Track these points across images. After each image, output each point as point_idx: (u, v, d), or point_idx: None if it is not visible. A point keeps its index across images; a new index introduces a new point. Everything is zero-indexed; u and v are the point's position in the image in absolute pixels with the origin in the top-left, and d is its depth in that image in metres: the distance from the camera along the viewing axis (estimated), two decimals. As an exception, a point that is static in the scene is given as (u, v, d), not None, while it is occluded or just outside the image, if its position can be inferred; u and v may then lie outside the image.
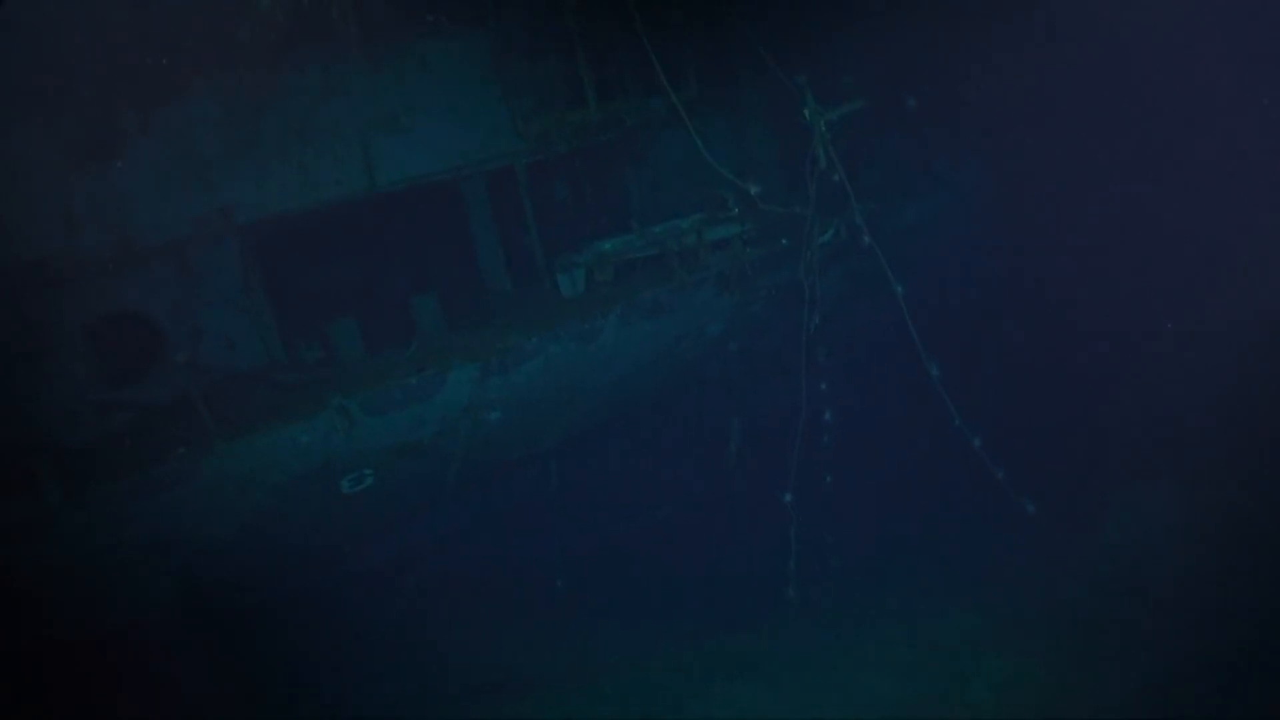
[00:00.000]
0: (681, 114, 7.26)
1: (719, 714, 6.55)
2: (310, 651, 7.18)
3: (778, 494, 7.10)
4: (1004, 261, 9.19)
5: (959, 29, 8.52)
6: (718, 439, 8.42)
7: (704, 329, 7.80)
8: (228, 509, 6.37)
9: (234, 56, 6.47)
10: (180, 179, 6.45)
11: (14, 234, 6.09)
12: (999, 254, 9.14)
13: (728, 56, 7.86)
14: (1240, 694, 5.78)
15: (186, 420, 6.23)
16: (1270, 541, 6.73)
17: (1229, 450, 7.50)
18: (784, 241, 7.64)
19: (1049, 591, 6.96)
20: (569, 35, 7.41)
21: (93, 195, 6.24)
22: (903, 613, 7.12)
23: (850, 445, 7.44)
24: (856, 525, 7.79)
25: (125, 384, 6.57)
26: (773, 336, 7.72)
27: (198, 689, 6.61)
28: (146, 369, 6.64)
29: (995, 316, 9.19)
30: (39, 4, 5.96)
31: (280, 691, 7.01)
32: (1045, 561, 7.18)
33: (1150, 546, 7.07)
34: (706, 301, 7.65)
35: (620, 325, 7.25)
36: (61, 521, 5.85)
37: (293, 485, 6.46)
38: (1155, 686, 5.95)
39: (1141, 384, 8.52)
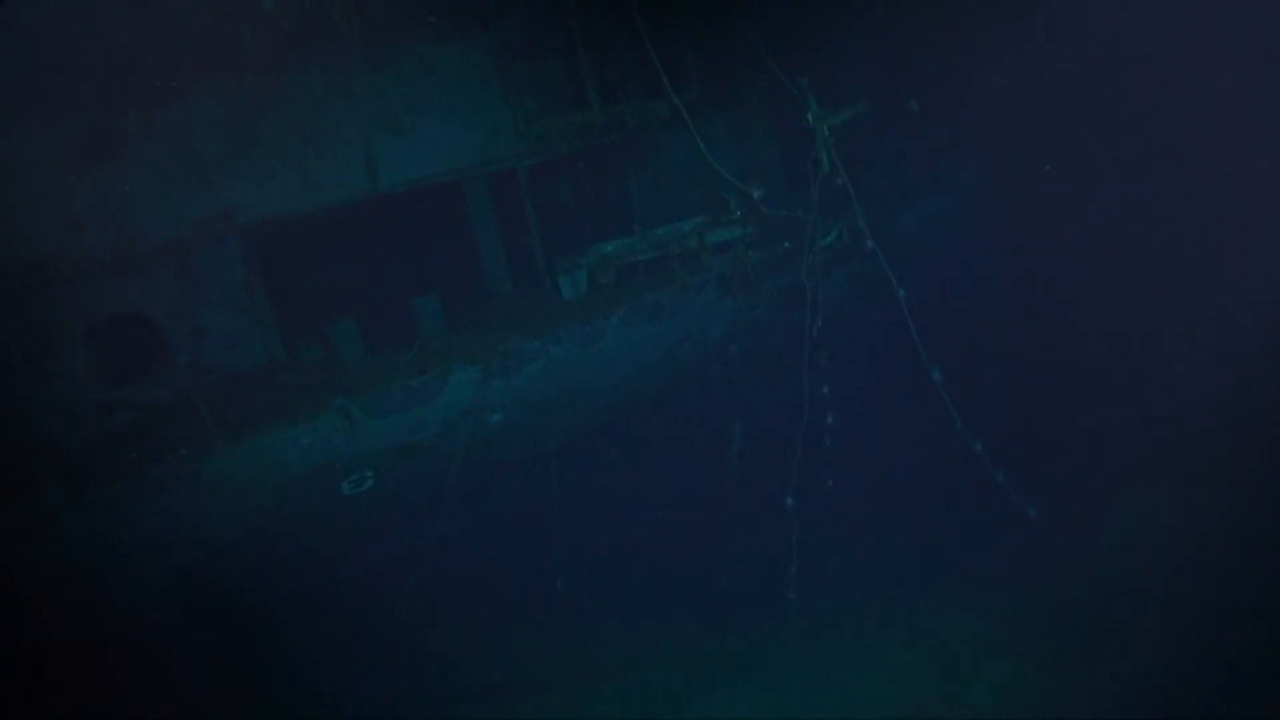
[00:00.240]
0: (684, 116, 7.26)
1: (719, 716, 6.54)
2: (310, 652, 7.17)
3: (779, 497, 7.10)
4: (1005, 264, 9.19)
5: (961, 30, 8.52)
6: (719, 441, 8.41)
7: (705, 331, 7.80)
8: (228, 510, 6.37)
9: (236, 58, 6.46)
10: (182, 180, 6.45)
11: (15, 234, 6.09)
12: (1000, 256, 9.14)
13: (730, 58, 7.86)
14: (1242, 696, 5.77)
15: (187, 421, 6.23)
16: (1271, 543, 6.73)
17: (1230, 452, 7.50)
18: (786, 244, 7.63)
19: (1050, 594, 6.95)
20: (571, 37, 7.42)
21: (94, 196, 6.25)
22: (903, 615, 7.10)
23: (851, 448, 7.44)
24: (857, 528, 7.79)
25: (126, 384, 6.57)
26: (774, 339, 7.72)
27: (198, 690, 6.60)
28: (147, 370, 6.65)
29: (997, 319, 9.19)
30: (40, 4, 5.95)
31: (280, 692, 7.00)
32: (1046, 564, 7.17)
33: (1151, 549, 7.06)
34: (708, 304, 7.65)
35: (622, 327, 7.24)
36: (62, 521, 5.85)
37: (293, 486, 6.45)
38: (1156, 688, 5.93)
39: (1142, 386, 8.53)
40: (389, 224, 7.55)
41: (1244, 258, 8.91)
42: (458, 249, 7.90)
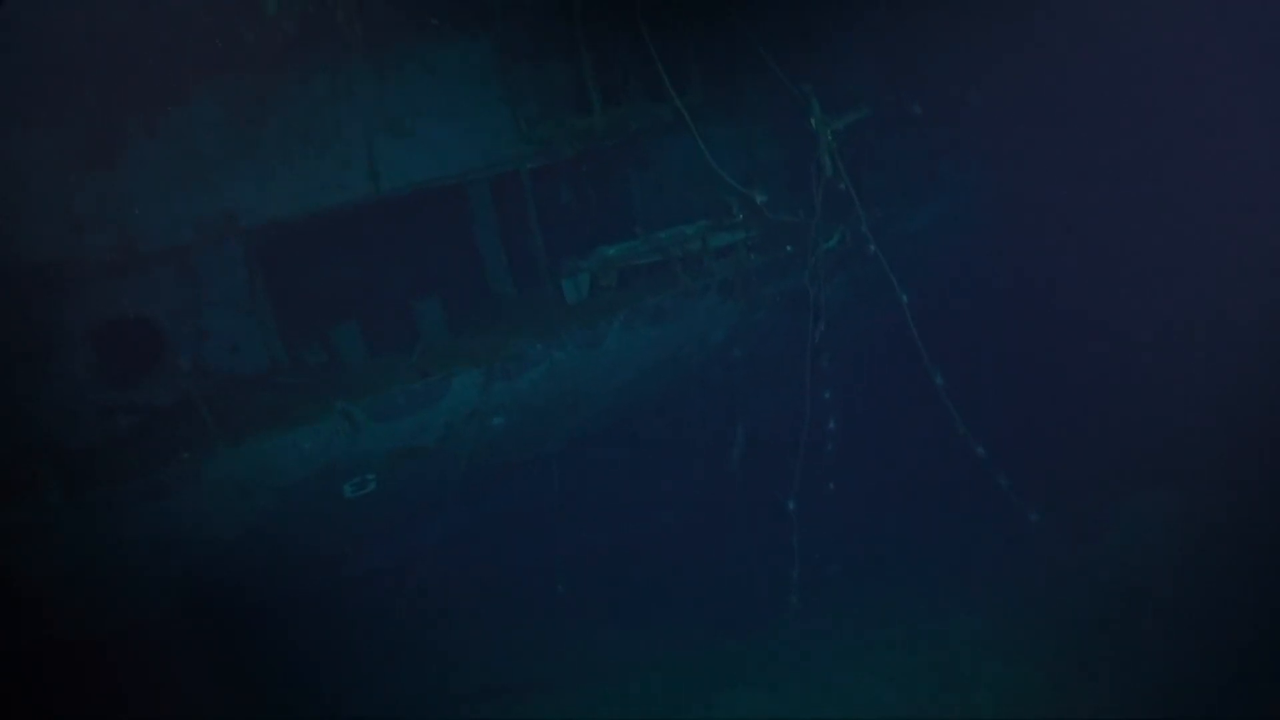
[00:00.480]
0: (686, 120, 7.25)
1: (720, 718, 6.55)
2: (311, 653, 7.18)
3: (780, 501, 7.10)
4: (1007, 266, 9.18)
5: (963, 32, 8.51)
6: (721, 445, 8.41)
7: (708, 335, 7.79)
8: (230, 512, 6.37)
9: (238, 60, 6.45)
10: (184, 182, 6.42)
11: (17, 236, 6.07)
12: (1002, 259, 9.13)
13: (733, 62, 7.85)
14: (1245, 700, 5.78)
15: (189, 423, 6.22)
16: (1273, 545, 6.72)
17: (1233, 456, 7.49)
18: (788, 248, 7.63)
19: (1051, 597, 6.96)
20: (574, 40, 7.40)
21: (96, 198, 6.22)
22: (904, 618, 7.11)
23: (853, 452, 7.44)
24: (859, 531, 7.79)
25: (128, 386, 6.55)
26: (777, 343, 7.72)
27: (199, 691, 6.61)
28: (149, 372, 6.63)
29: (998, 322, 9.18)
30: (43, 6, 5.94)
31: (281, 693, 7.01)
32: (1047, 567, 7.17)
33: (1153, 552, 7.07)
34: (710, 308, 7.64)
35: (624, 331, 7.24)
36: (63, 523, 5.85)
37: (295, 489, 6.46)
38: (1157, 690, 5.95)
39: (1144, 389, 8.52)
40: (391, 226, 7.53)
41: (1245, 259, 8.90)
42: (460, 251, 7.89)
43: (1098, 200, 9.38)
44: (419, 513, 7.47)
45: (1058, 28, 8.84)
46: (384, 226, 7.51)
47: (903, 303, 7.02)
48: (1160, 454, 7.81)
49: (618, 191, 8.23)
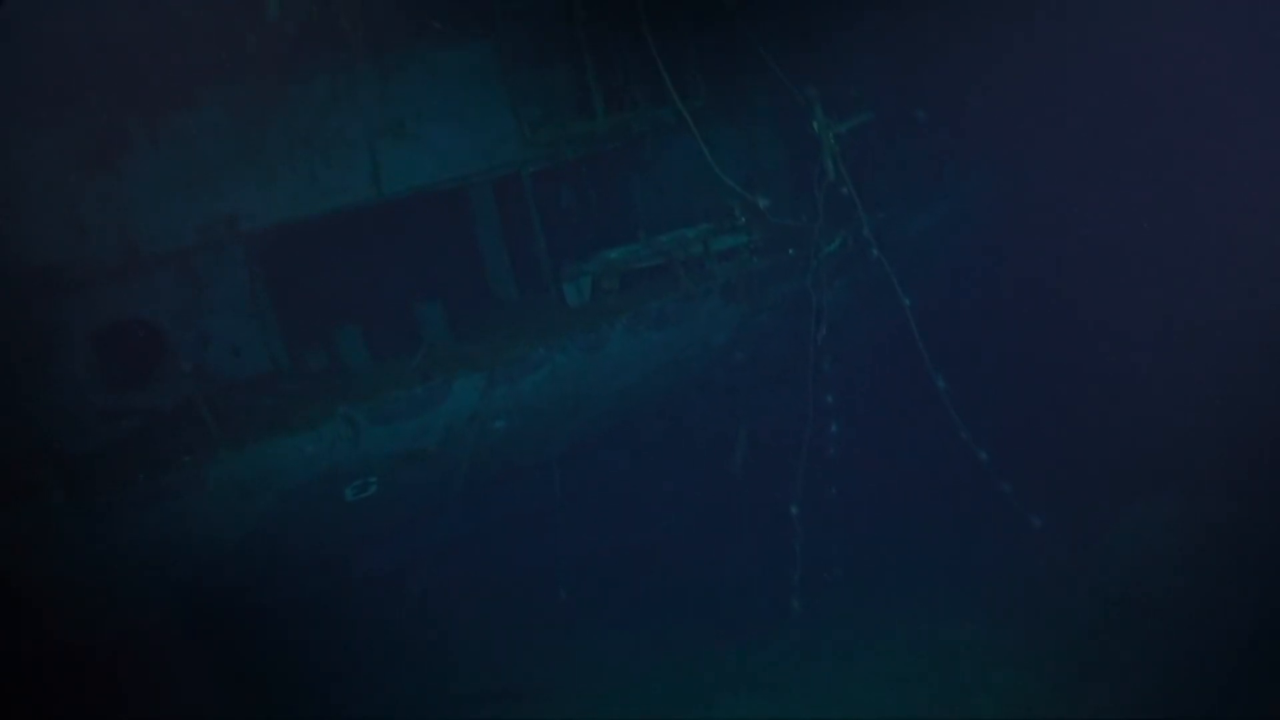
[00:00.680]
0: (689, 123, 7.25)
1: (721, 723, 6.55)
2: (312, 657, 7.16)
3: (783, 505, 7.08)
4: (1010, 270, 9.17)
5: (966, 37, 8.50)
6: (723, 449, 8.40)
7: (710, 339, 7.78)
8: (232, 516, 6.36)
9: (242, 65, 6.46)
10: (187, 186, 6.44)
11: (21, 240, 6.08)
12: (1005, 263, 9.12)
13: (735, 65, 7.85)
14: (1246, 704, 5.76)
15: (192, 428, 6.22)
16: (1276, 551, 6.70)
17: (1236, 461, 7.48)
18: (791, 251, 7.62)
19: (1054, 603, 6.92)
20: (577, 43, 7.40)
21: (99, 202, 6.24)
22: (907, 625, 7.07)
23: (856, 456, 7.42)
24: (861, 536, 7.76)
25: (130, 391, 6.56)
26: (779, 347, 7.71)
27: (201, 694, 6.60)
28: (152, 376, 6.64)
29: (1001, 326, 9.17)
30: (46, 10, 5.95)
31: (283, 696, 6.99)
32: (1050, 573, 7.14)
33: (1156, 557, 7.05)
34: (713, 312, 7.64)
35: (626, 335, 7.23)
36: (65, 527, 5.85)
37: (297, 493, 6.45)
38: (1160, 695, 5.92)
39: (1147, 394, 8.50)
40: (394, 229, 7.54)
41: (1247, 264, 8.89)
42: (462, 255, 7.90)
43: (1101, 203, 9.38)
44: (421, 516, 7.47)
45: (1062, 30, 8.84)
46: (387, 230, 7.52)
47: (905, 306, 7.00)
48: (1162, 458, 7.79)
49: (620, 194, 8.24)
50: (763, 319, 7.86)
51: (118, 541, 6.03)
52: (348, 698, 7.16)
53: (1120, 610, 6.68)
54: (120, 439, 6.41)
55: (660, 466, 8.50)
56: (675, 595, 7.91)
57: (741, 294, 7.64)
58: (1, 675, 6.06)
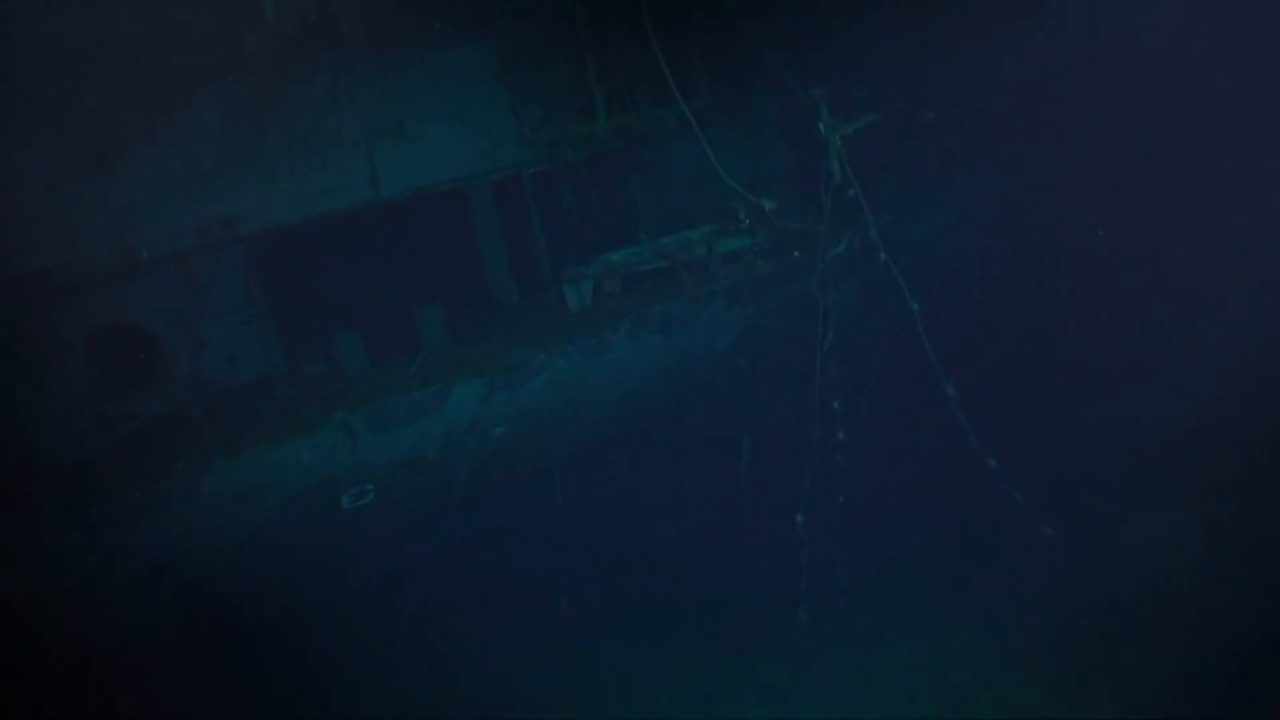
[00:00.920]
0: (693, 124, 7.17)
1: (726, 733, 6.48)
2: (309, 666, 7.10)
3: (789, 513, 6.99)
4: (1018, 274, 9.08)
5: (973, 39, 8.43)
6: (728, 455, 8.33)
7: (714, 343, 7.71)
8: (228, 524, 6.30)
9: (240, 66, 6.40)
10: (184, 189, 6.40)
11: (16, 244, 6.03)
12: (1014, 267, 9.04)
13: (740, 66, 7.79)
14: (1255, 710, 5.70)
15: (187, 435, 6.16)
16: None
17: (1245, 468, 7.38)
18: (796, 254, 7.53)
19: (1062, 612, 6.85)
20: (578, 44, 7.34)
21: (96, 205, 6.19)
22: (914, 633, 7.02)
23: (863, 463, 7.33)
24: (869, 545, 7.68)
25: (126, 397, 6.50)
26: (784, 351, 7.62)
27: (197, 705, 6.54)
28: (148, 381, 6.58)
29: (1009, 331, 9.08)
30: (44, 12, 5.89)
31: (279, 706, 6.93)
32: (1060, 581, 7.07)
33: (1166, 565, 6.96)
34: (717, 315, 7.56)
35: (629, 340, 7.16)
36: (61, 537, 5.78)
37: (293, 501, 6.38)
38: (1169, 699, 5.87)
39: (1158, 402, 8.40)
40: (393, 232, 7.49)
41: (1259, 272, 8.80)
42: (462, 257, 7.84)
43: (1108, 205, 9.30)
44: (419, 523, 7.40)
45: (1070, 33, 8.76)
46: (386, 232, 7.47)
47: (914, 311, 6.90)
48: (1172, 466, 7.70)
49: (621, 196, 8.18)
50: (768, 323, 7.78)
51: (113, 550, 5.97)
52: (344, 707, 7.09)
53: (1128, 617, 6.61)
54: (115, 446, 6.36)
55: (663, 473, 8.45)
56: (679, 604, 7.86)
57: (746, 297, 7.57)
58: (-4, 684, 6.01)
